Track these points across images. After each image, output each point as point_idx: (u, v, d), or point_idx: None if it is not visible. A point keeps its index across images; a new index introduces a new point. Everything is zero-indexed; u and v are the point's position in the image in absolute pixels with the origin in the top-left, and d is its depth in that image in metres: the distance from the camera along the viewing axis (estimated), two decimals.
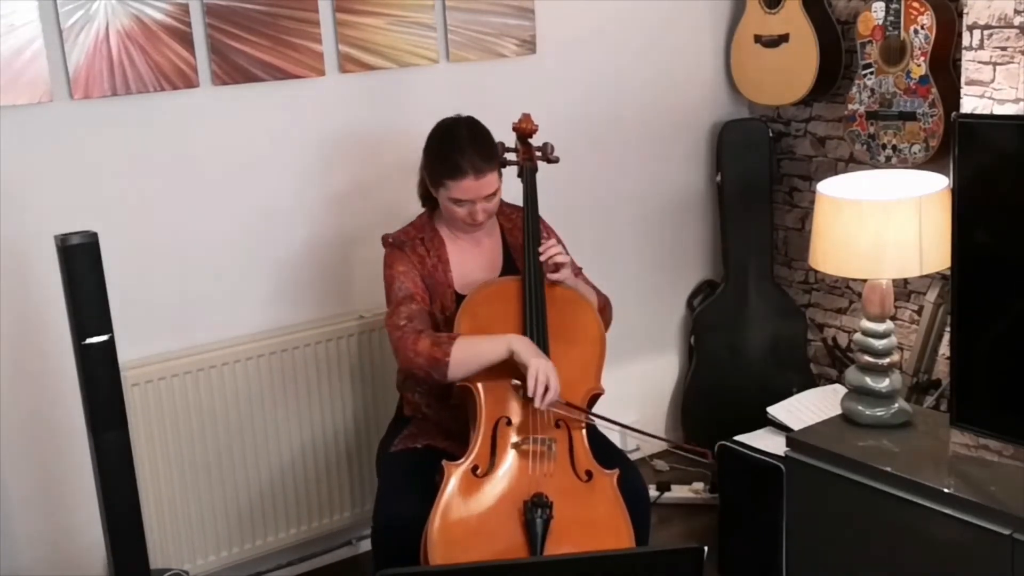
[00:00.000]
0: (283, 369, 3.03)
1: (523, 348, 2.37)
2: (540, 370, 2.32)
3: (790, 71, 3.51)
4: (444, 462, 2.34)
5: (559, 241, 2.71)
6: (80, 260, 2.20)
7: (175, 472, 2.92)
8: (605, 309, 2.70)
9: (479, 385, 2.40)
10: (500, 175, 2.55)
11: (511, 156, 2.71)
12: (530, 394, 2.32)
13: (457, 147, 2.48)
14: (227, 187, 2.95)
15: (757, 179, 3.78)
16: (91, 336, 2.22)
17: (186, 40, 2.79)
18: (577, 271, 2.72)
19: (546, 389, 2.32)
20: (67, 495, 2.81)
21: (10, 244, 2.65)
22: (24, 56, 2.57)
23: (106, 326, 2.24)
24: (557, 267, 2.53)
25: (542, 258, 2.51)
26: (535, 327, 2.46)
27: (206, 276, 2.96)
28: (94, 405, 2.27)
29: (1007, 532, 2.26)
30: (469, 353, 2.38)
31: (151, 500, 2.85)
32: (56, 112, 2.66)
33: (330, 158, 3.10)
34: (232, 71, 2.87)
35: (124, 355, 2.39)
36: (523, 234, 2.59)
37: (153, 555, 2.70)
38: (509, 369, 2.39)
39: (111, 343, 2.25)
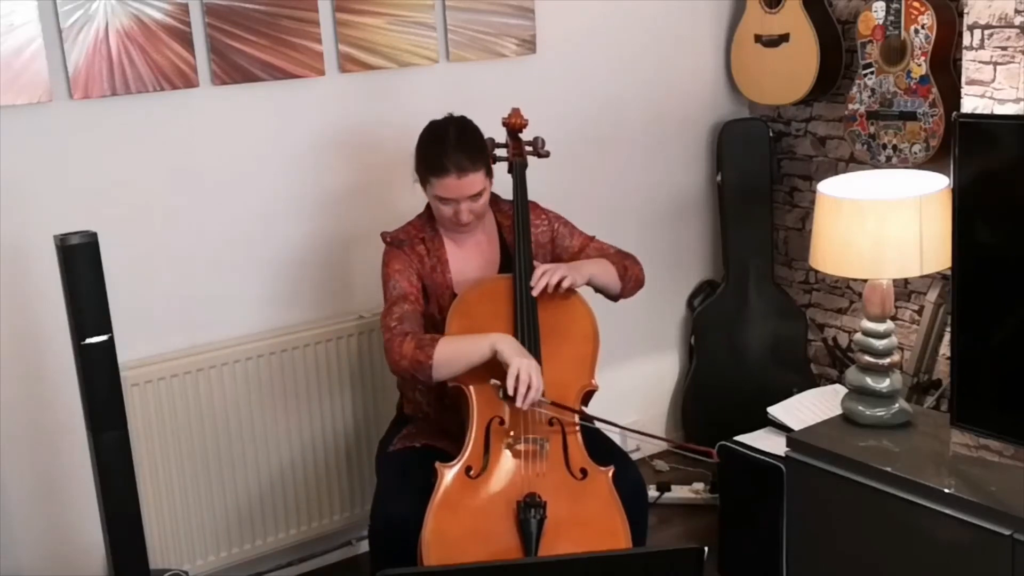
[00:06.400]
0: (283, 369, 3.03)
1: (507, 347, 2.34)
2: (522, 368, 2.29)
3: (790, 71, 3.51)
4: (437, 464, 2.33)
5: (558, 220, 2.70)
6: (80, 260, 2.20)
7: (175, 472, 2.92)
8: (626, 274, 2.65)
9: (471, 386, 2.39)
10: (488, 175, 2.53)
11: (501, 152, 2.69)
12: (511, 393, 2.29)
13: (443, 146, 2.48)
14: (227, 187, 2.95)
15: (757, 179, 3.78)
16: (91, 336, 2.22)
17: (186, 40, 2.78)
18: (588, 240, 2.71)
19: (528, 388, 2.29)
20: (67, 495, 2.81)
21: (10, 244, 2.65)
22: (23, 56, 2.57)
23: (106, 326, 2.24)
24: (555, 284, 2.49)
25: (534, 292, 2.47)
26: (526, 325, 2.45)
27: (205, 276, 2.95)
28: (94, 405, 2.27)
29: (1007, 533, 2.26)
30: (452, 355, 2.36)
31: (151, 500, 2.85)
32: (56, 112, 2.66)
33: (330, 158, 3.09)
34: (232, 71, 2.87)
35: (124, 355, 2.39)
36: (512, 230, 2.59)
37: (152, 555, 2.70)
38: (500, 368, 2.39)
39: (111, 343, 2.25)
